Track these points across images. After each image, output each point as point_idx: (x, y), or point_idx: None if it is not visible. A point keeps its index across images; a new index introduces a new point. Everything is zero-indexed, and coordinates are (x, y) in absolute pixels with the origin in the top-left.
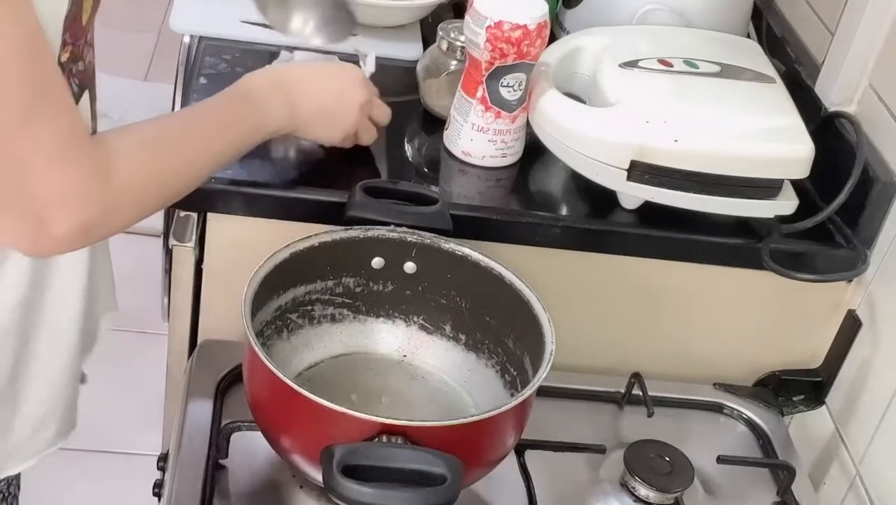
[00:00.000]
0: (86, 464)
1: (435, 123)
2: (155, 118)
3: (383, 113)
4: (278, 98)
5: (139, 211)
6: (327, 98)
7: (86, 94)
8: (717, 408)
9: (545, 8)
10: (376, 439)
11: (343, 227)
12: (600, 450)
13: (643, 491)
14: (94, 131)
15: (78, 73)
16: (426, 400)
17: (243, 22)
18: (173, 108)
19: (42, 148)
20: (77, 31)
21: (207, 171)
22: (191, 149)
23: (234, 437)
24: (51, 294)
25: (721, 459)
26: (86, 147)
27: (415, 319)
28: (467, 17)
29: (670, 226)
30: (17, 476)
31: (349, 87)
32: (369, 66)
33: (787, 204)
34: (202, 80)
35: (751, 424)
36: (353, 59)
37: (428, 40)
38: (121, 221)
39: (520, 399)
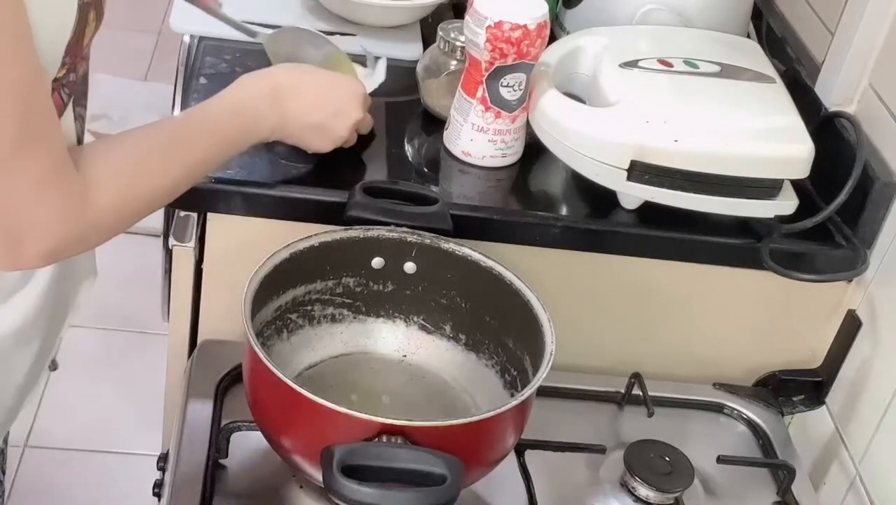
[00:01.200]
0: (86, 464)
1: (435, 123)
2: (144, 129)
3: (368, 125)
4: (272, 108)
5: (114, 231)
6: (322, 113)
7: (70, 100)
8: (717, 408)
9: (545, 8)
10: (376, 439)
11: (343, 227)
12: (600, 450)
13: (643, 491)
14: (81, 133)
15: (68, 83)
16: (426, 400)
17: (243, 22)
18: (173, 109)
19: (27, 178)
20: (76, 52)
21: (191, 183)
22: (176, 164)
23: (234, 437)
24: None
25: (721, 459)
26: (67, 178)
27: (415, 319)
28: (467, 17)
29: (670, 226)
30: (4, 461)
31: (346, 105)
32: (378, 75)
33: (787, 204)
34: (202, 80)
35: (751, 424)
36: (359, 58)
37: (428, 40)
38: (95, 242)
39: (520, 399)
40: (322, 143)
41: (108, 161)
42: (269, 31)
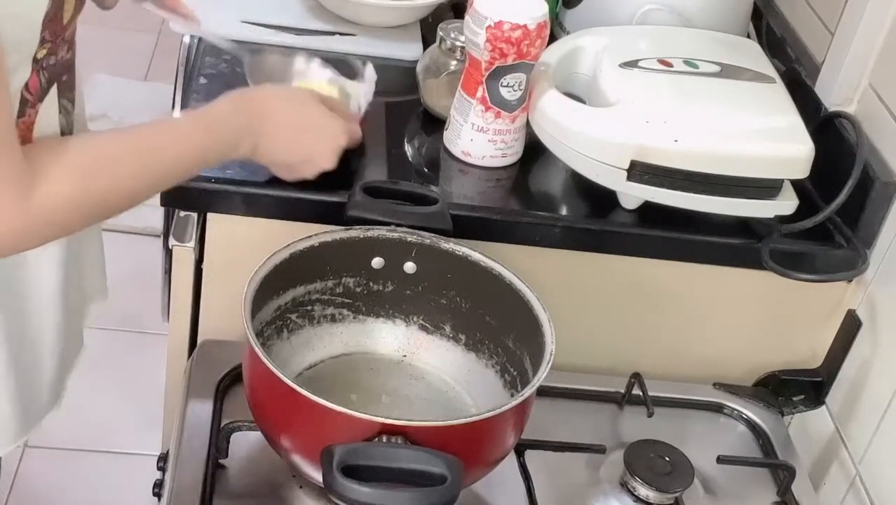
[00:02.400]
0: (86, 464)
1: (435, 123)
2: (112, 132)
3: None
4: (248, 138)
5: (61, 232)
6: (292, 157)
7: (53, 88)
8: (717, 408)
9: (545, 8)
10: (376, 439)
11: (343, 227)
12: (600, 450)
13: (643, 491)
14: (69, 125)
15: (48, 66)
16: (426, 400)
17: (243, 22)
18: (173, 109)
19: None
20: (56, 30)
21: (154, 191)
22: (138, 169)
23: (234, 437)
24: (29, 278)
25: (721, 459)
26: (11, 164)
27: (415, 319)
28: (467, 17)
29: (670, 226)
30: None
31: (317, 156)
32: (368, 86)
33: (787, 204)
34: (202, 80)
35: (751, 424)
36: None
37: (428, 40)
38: (40, 240)
39: (520, 399)
40: (284, 176)
41: (65, 156)
42: (266, 29)
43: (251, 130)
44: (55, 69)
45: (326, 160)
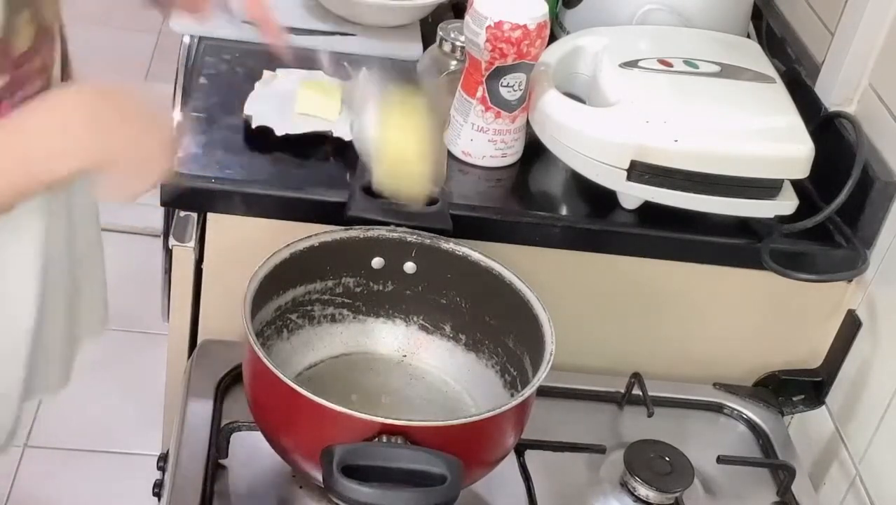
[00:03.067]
0: (86, 464)
1: None
2: None
3: None
4: (71, 154)
5: None
6: (130, 155)
7: None
8: (717, 408)
9: (545, 8)
10: (376, 439)
11: (343, 227)
12: (600, 450)
13: (643, 491)
14: None
15: (16, 102)
16: (426, 400)
17: (243, 22)
18: (173, 109)
19: None
20: (6, 58)
21: None
22: None
23: (234, 437)
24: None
25: (721, 459)
26: None
27: (415, 319)
28: (467, 17)
29: (670, 226)
30: None
31: (153, 152)
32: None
33: (787, 204)
34: (202, 80)
35: (751, 424)
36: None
37: (428, 40)
38: None
39: (520, 399)
40: (118, 194)
41: None
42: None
43: (76, 142)
44: (24, 103)
45: (163, 156)
